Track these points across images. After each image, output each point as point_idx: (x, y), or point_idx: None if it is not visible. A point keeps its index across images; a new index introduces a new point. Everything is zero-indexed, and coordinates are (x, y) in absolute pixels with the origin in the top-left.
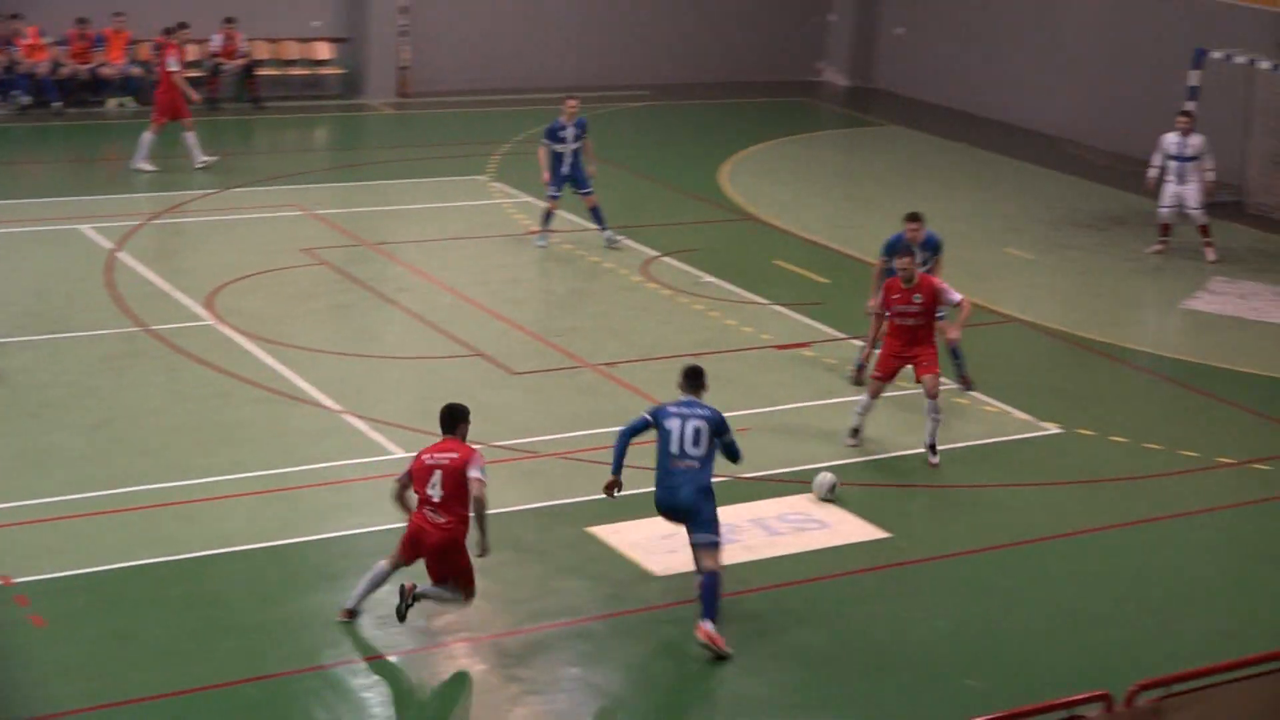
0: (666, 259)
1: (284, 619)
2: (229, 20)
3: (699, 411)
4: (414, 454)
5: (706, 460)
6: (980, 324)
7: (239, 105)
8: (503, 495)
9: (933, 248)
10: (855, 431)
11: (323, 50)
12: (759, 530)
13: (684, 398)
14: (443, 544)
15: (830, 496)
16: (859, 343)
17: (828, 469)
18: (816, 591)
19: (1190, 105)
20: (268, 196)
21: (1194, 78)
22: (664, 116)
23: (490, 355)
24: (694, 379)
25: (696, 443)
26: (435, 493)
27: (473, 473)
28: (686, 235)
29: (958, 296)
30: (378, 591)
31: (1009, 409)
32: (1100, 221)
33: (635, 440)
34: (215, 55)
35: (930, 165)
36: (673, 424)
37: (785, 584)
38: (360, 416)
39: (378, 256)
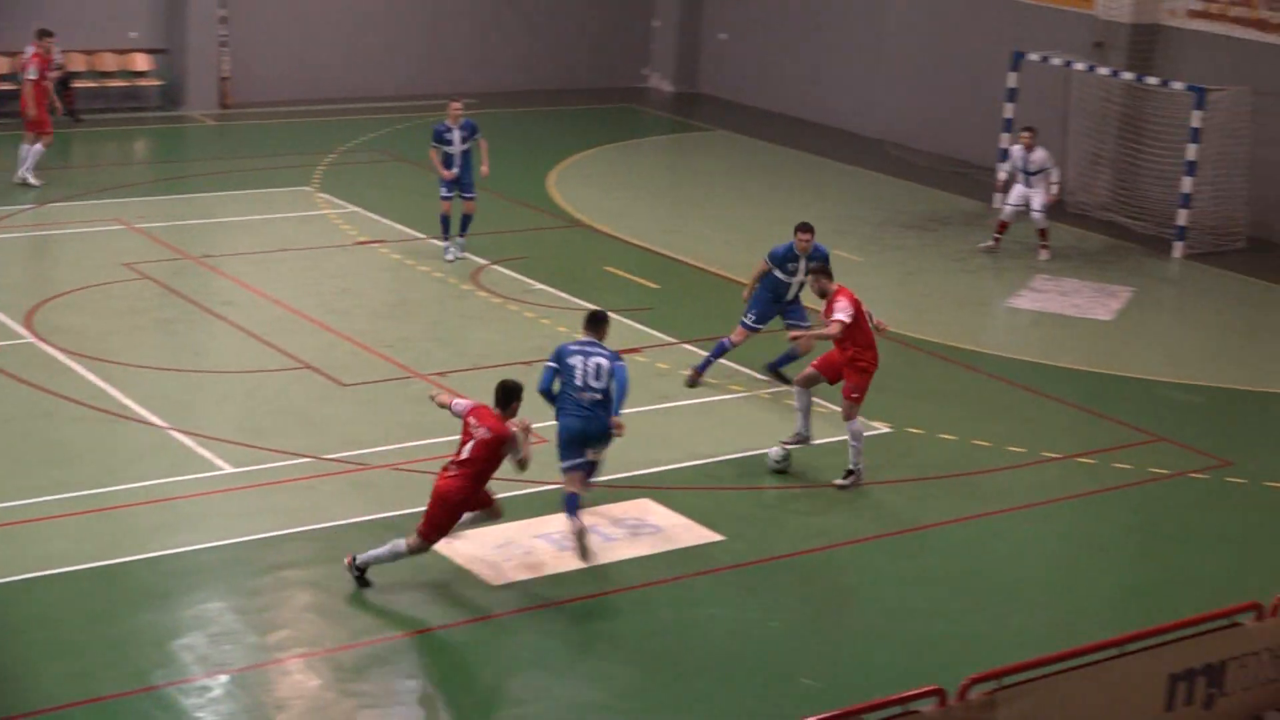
0: (496, 267)
1: (114, 639)
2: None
3: (601, 350)
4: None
5: (608, 393)
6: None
7: (55, 119)
8: (336, 508)
9: (820, 257)
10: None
11: (141, 61)
12: (594, 536)
13: (584, 338)
14: (447, 491)
15: (781, 466)
16: (690, 347)
17: (666, 471)
18: (652, 596)
19: (1030, 125)
20: (87, 211)
21: (1012, 80)
22: (491, 124)
23: (319, 367)
24: (596, 323)
25: (598, 377)
26: (465, 453)
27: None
28: (516, 243)
29: (838, 320)
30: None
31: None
32: (924, 222)
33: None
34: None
35: (756, 169)
36: (575, 360)
37: (622, 589)
38: (187, 432)
39: (202, 270)
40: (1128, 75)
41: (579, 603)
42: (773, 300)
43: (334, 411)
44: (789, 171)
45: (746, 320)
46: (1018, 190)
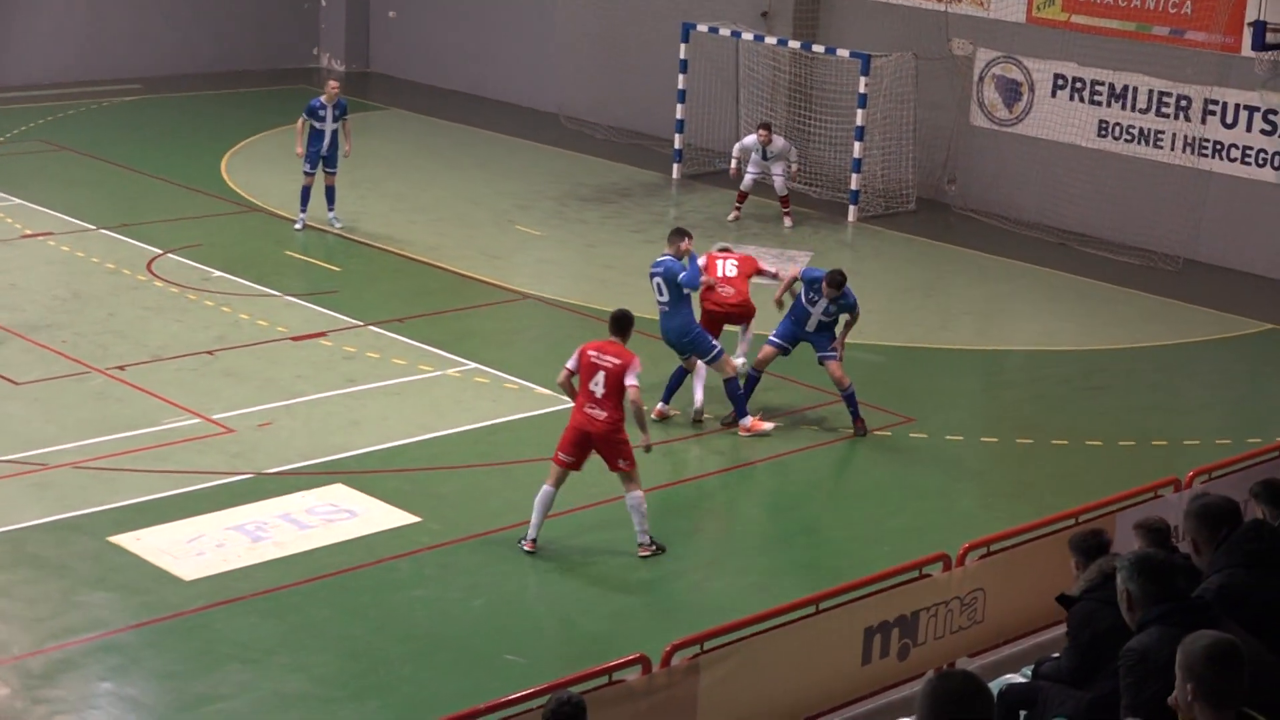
0: (171, 255)
1: None
2: None
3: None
4: (578, 349)
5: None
6: (494, 302)
7: None
8: (15, 511)
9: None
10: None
11: None
12: (289, 525)
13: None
14: (607, 433)
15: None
16: (376, 329)
17: (358, 456)
18: (352, 581)
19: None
20: None
21: (683, 51)
22: (159, 109)
23: None
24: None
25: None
26: (599, 390)
27: (630, 380)
28: (190, 230)
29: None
30: None
31: (528, 384)
32: (605, 194)
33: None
34: None
35: (433, 147)
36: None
37: (320, 577)
38: None
39: None
40: (794, 44)
41: (276, 593)
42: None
43: (8, 410)
44: (467, 148)
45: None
46: (751, 173)
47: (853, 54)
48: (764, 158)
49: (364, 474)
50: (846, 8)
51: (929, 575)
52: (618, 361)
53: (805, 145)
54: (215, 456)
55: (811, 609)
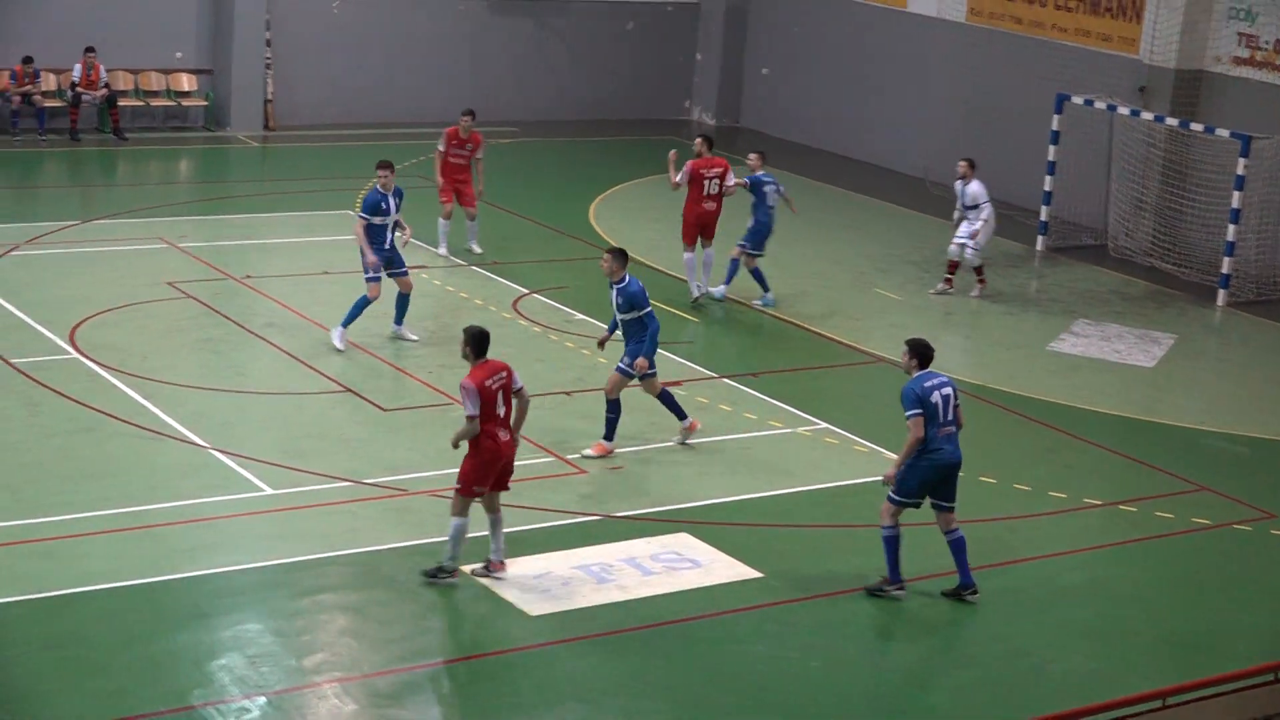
0: (537, 295)
1: (151, 658)
2: (89, 50)
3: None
4: (473, 388)
5: None
6: (849, 363)
7: (101, 136)
8: (374, 534)
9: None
10: None
11: (186, 81)
12: (633, 569)
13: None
14: (512, 456)
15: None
16: (731, 382)
17: (704, 506)
18: (691, 631)
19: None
20: (130, 229)
21: (1056, 122)
22: (533, 153)
23: (360, 391)
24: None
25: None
26: (502, 411)
27: (518, 384)
28: (556, 272)
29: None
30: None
31: (879, 449)
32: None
33: None
34: (73, 85)
35: (798, 205)
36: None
37: (660, 623)
38: (227, 452)
39: (244, 290)
40: (1171, 121)
41: (617, 636)
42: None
43: (374, 436)
44: (831, 208)
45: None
46: (963, 227)
47: (1233, 134)
48: (963, 204)
49: (709, 524)
50: (1228, 86)
51: None
52: (505, 375)
53: (1176, 225)
54: (566, 495)
55: (1158, 703)
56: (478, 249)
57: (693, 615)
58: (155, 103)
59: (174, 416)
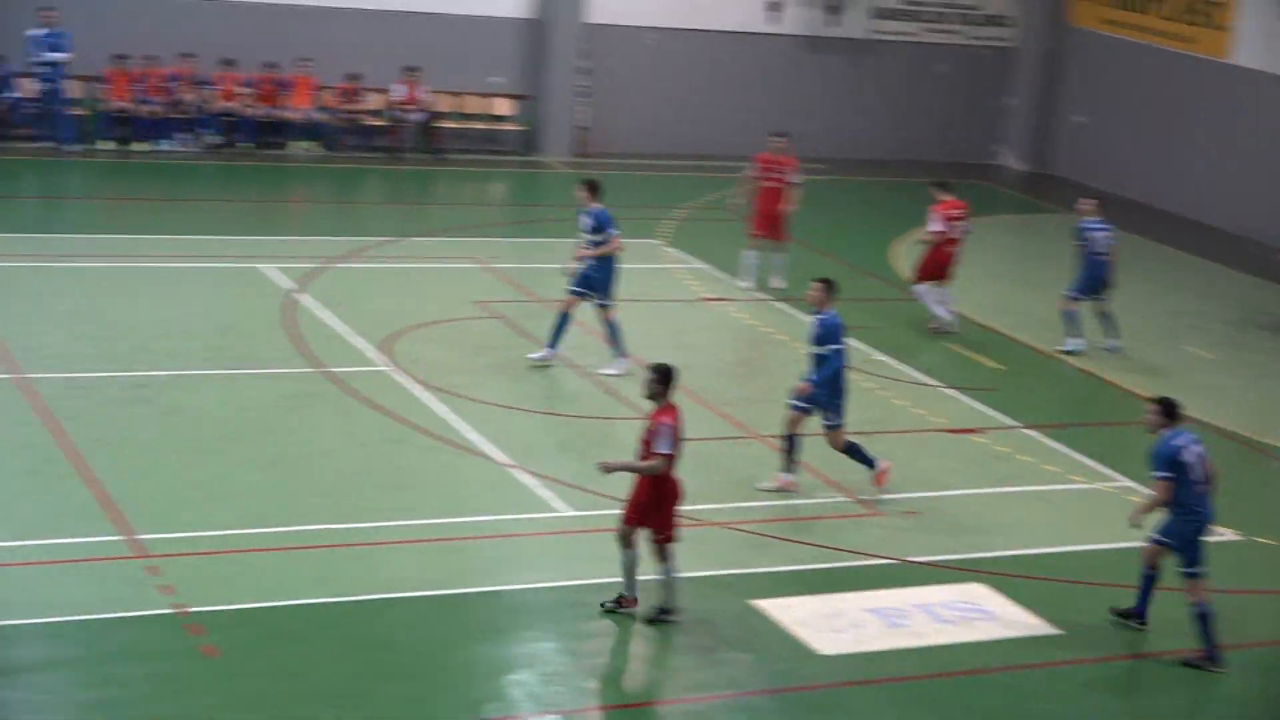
0: None
1: (450, 668)
2: (411, 70)
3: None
4: (674, 427)
5: None
6: None
7: (419, 155)
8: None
9: None
10: None
11: (503, 106)
12: (925, 616)
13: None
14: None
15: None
16: (1030, 433)
17: (1000, 558)
18: (982, 684)
19: None
20: (445, 247)
21: None
22: (839, 191)
23: None
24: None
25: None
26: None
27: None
28: (857, 312)
29: None
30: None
31: None
32: None
33: None
34: (396, 105)
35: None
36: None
37: (951, 673)
38: (529, 472)
39: (551, 313)
40: None
41: (907, 682)
42: None
43: None
44: (1142, 261)
45: None
46: None
47: None
48: None
49: (1004, 576)
50: None
51: None
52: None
53: None
54: (860, 537)
55: None
56: (782, 283)
57: (985, 668)
58: (472, 125)
59: (479, 433)
